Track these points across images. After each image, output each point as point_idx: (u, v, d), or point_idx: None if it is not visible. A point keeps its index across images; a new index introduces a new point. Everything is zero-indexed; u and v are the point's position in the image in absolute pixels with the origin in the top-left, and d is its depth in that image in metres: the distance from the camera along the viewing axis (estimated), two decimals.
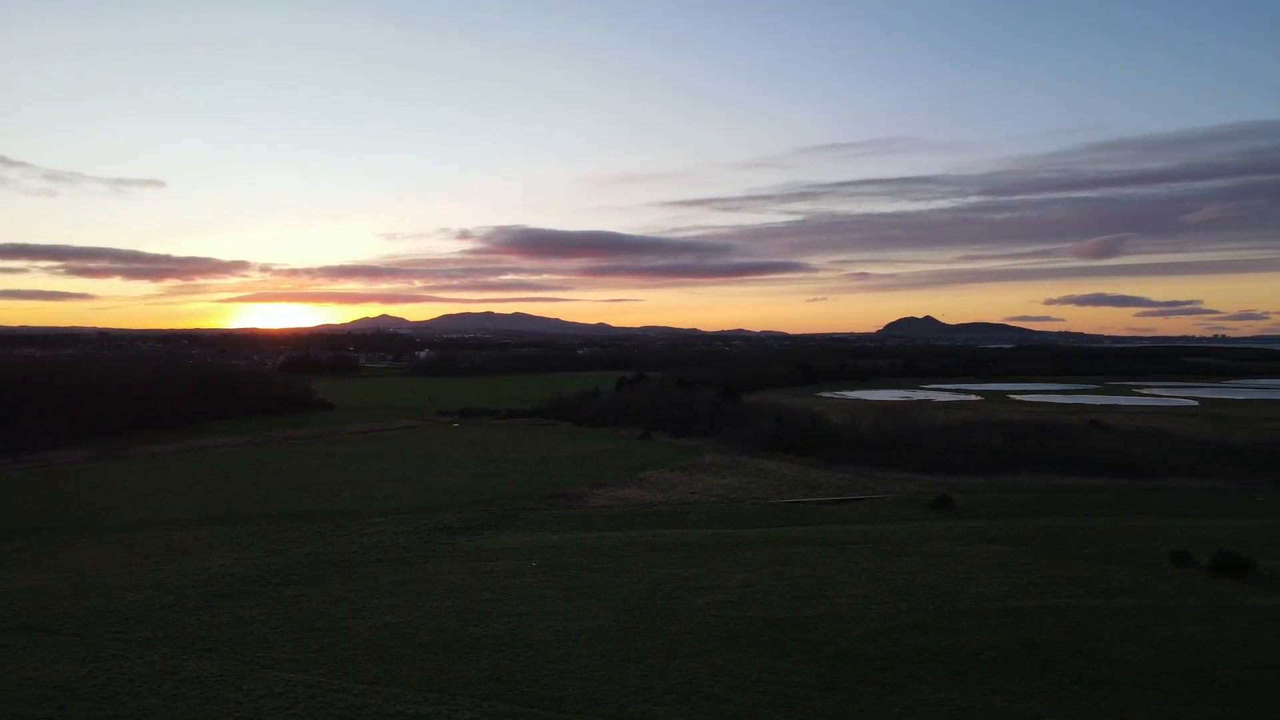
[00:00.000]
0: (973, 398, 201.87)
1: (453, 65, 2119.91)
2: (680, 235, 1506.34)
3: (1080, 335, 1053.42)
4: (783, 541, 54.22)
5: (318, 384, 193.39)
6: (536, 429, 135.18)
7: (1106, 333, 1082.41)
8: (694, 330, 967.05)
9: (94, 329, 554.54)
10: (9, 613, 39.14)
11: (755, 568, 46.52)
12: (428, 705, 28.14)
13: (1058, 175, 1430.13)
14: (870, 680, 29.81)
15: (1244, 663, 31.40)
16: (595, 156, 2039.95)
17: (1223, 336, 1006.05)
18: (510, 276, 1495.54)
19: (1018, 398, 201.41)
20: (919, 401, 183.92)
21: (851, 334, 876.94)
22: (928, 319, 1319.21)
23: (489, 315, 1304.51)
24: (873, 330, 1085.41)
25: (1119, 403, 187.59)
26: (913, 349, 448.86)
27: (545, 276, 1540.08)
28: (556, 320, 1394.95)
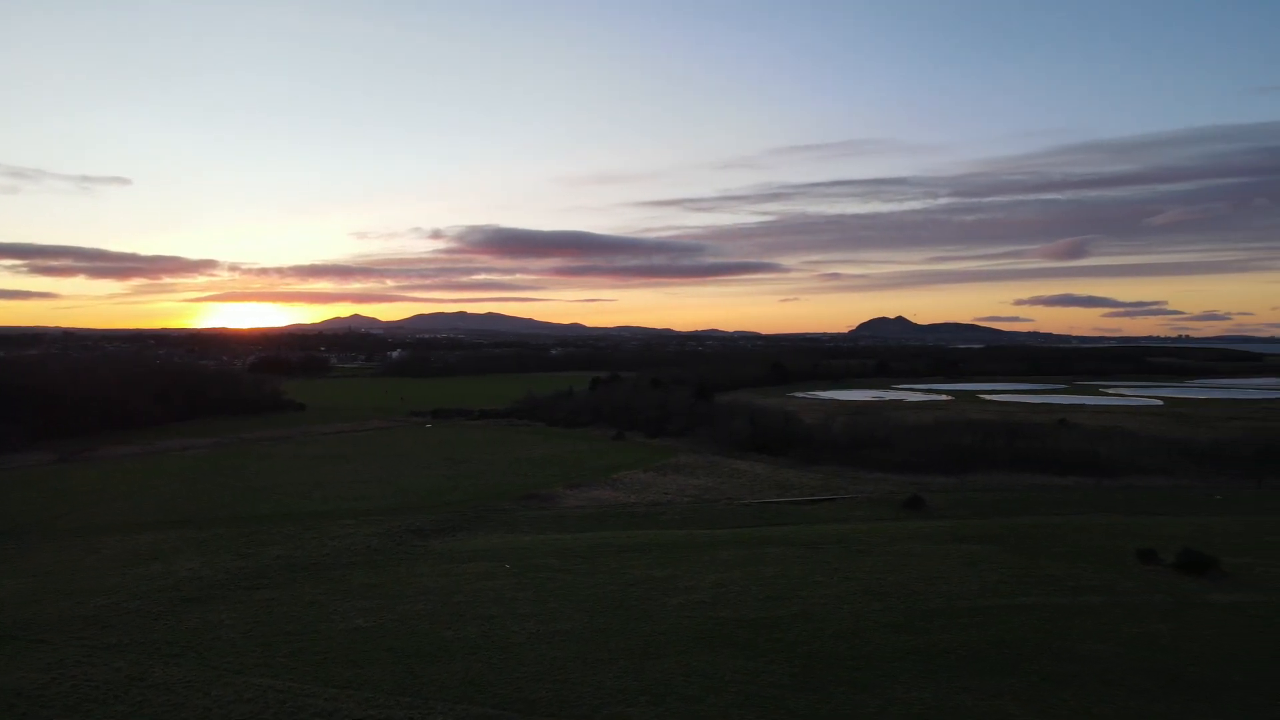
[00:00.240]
0: (944, 398, 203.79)
1: (426, 63, 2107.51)
2: (654, 235, 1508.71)
3: (1049, 335, 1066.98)
4: (756, 542, 54.41)
5: (288, 384, 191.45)
6: (510, 429, 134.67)
7: (1074, 333, 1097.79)
8: (667, 330, 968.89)
9: (58, 329, 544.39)
10: None
11: (729, 568, 46.64)
12: (399, 709, 27.91)
13: (1026, 177, 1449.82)
14: (843, 680, 29.98)
15: (1208, 659, 31.95)
16: (568, 156, 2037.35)
17: (1187, 337, 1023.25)
18: (483, 276, 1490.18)
19: (988, 398, 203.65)
20: (891, 401, 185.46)
21: (824, 334, 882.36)
22: (899, 319, 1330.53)
23: (462, 315, 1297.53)
24: (845, 330, 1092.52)
25: (1086, 402, 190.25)
26: (885, 349, 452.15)
27: (518, 276, 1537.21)
28: (530, 320, 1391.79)
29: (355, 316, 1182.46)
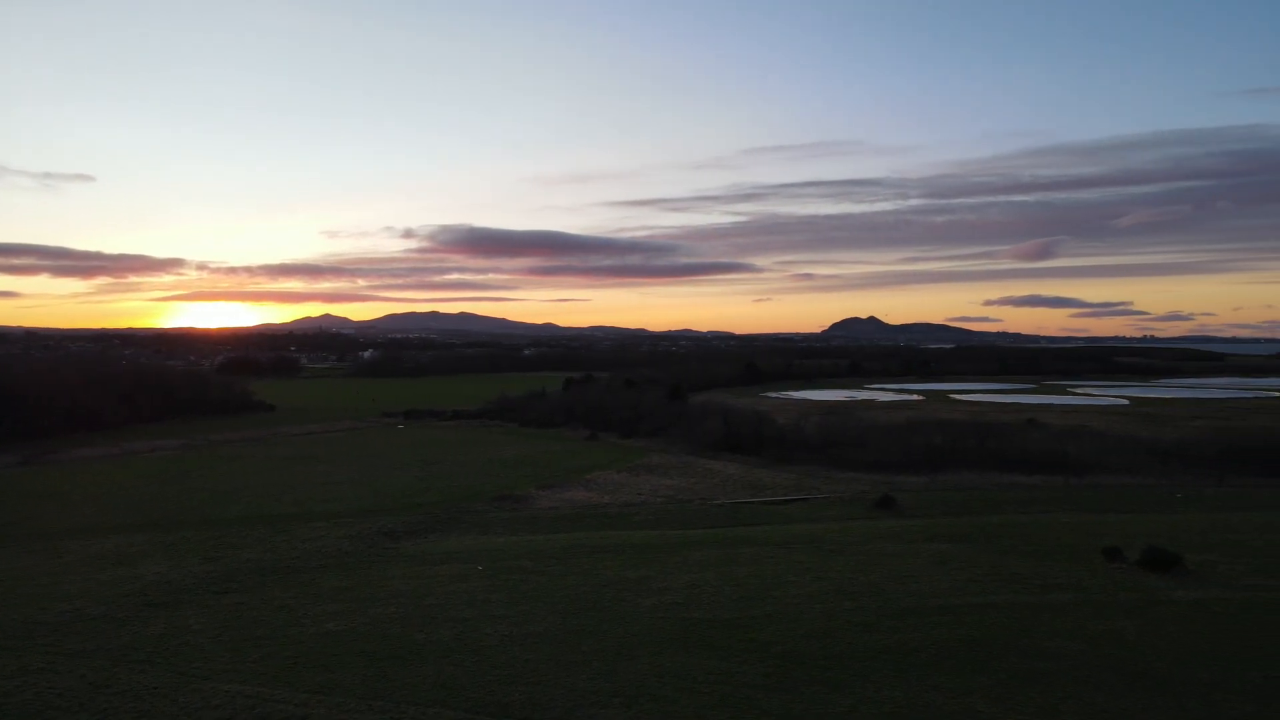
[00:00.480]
0: (915, 397, 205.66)
1: (399, 61, 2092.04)
2: (627, 235, 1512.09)
3: (1018, 335, 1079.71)
4: (729, 542, 54.58)
5: (257, 385, 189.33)
6: (482, 430, 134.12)
7: (1043, 333, 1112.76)
8: (641, 330, 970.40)
9: (20, 328, 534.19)
10: None
11: (702, 568, 46.75)
12: (371, 714, 27.70)
13: (995, 179, 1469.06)
14: (815, 679, 30.17)
15: (1171, 655, 32.50)
16: (541, 156, 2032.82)
17: (1152, 337, 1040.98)
18: (456, 276, 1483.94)
19: (958, 397, 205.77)
20: (863, 401, 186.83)
21: (797, 334, 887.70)
22: (871, 319, 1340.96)
23: (434, 315, 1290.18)
24: (818, 330, 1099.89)
25: (1055, 402, 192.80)
26: (857, 349, 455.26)
27: (491, 276, 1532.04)
28: (503, 320, 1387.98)
29: (326, 316, 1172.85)
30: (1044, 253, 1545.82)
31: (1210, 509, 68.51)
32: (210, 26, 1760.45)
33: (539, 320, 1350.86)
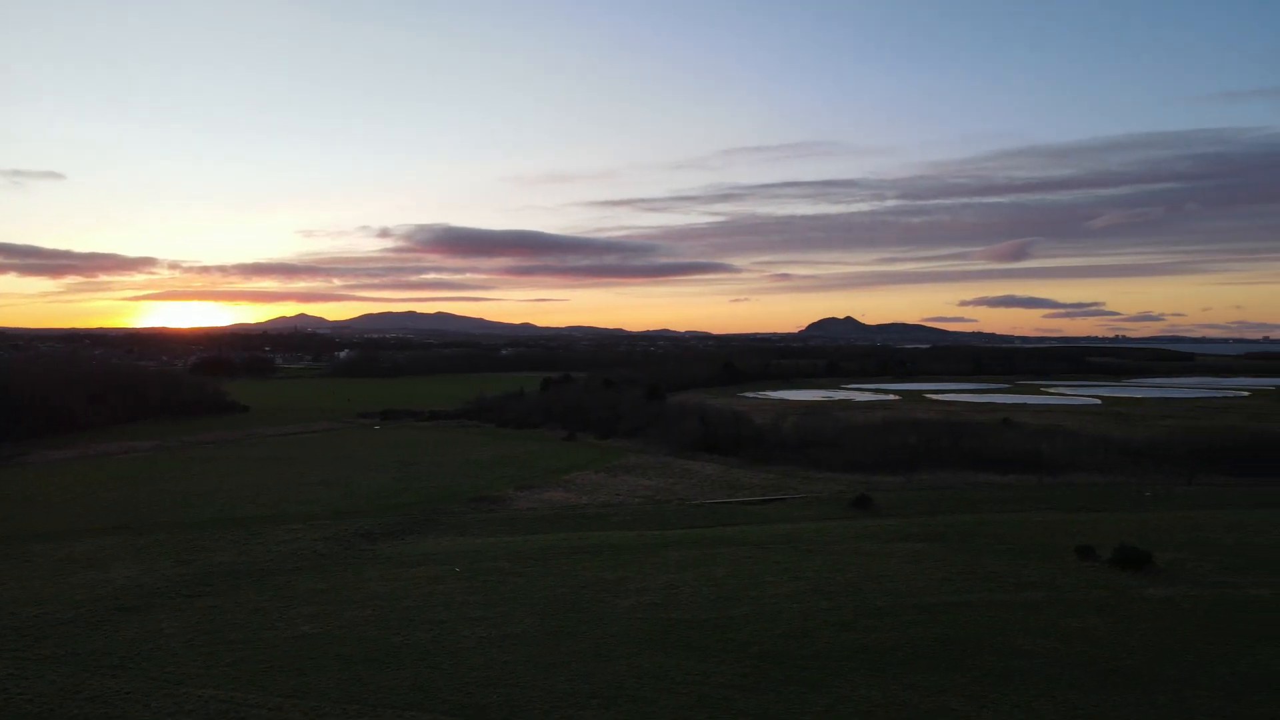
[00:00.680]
0: (891, 397, 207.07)
1: (374, 59, 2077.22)
2: (605, 235, 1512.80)
3: (992, 335, 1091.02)
4: (707, 542, 54.69)
5: (231, 385, 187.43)
6: (460, 431, 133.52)
7: (1017, 333, 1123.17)
8: (619, 330, 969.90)
9: None
10: None
11: (680, 569, 46.82)
12: (346, 718, 27.50)
13: (970, 181, 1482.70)
14: (792, 679, 30.30)
15: (1142, 651, 32.95)
16: (518, 155, 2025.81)
17: (1123, 337, 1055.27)
18: (433, 275, 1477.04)
19: (934, 397, 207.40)
20: (840, 401, 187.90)
21: (774, 334, 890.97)
22: (848, 319, 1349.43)
23: (411, 315, 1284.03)
24: (795, 330, 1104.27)
25: (1028, 401, 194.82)
26: (834, 349, 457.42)
27: (469, 276, 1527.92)
28: (481, 320, 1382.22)
29: (301, 316, 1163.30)
30: (1018, 254, 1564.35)
31: (1180, 507, 69.49)
32: (184, 21, 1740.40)
33: (517, 320, 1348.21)
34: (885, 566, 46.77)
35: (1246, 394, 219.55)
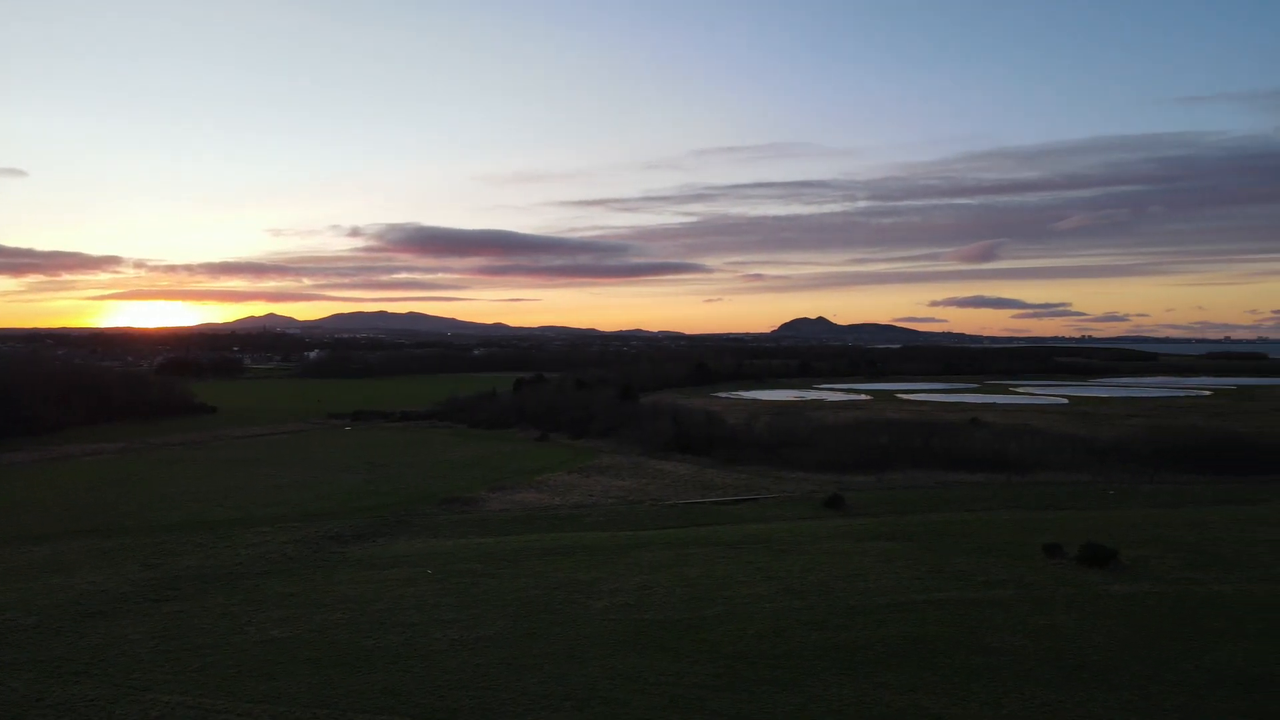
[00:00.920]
0: (863, 397, 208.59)
1: (345, 55, 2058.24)
2: (578, 235, 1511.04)
3: (962, 335, 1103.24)
4: (680, 543, 54.77)
5: (198, 386, 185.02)
6: (431, 432, 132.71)
7: (986, 333, 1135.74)
8: (592, 330, 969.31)
9: None
10: None
11: (653, 570, 46.85)
12: None
13: (939, 182, 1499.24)
14: (765, 679, 30.42)
15: (1108, 647, 33.46)
16: (491, 155, 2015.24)
17: (1090, 337, 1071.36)
18: (404, 275, 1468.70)
19: (905, 397, 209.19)
20: (812, 401, 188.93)
21: (747, 334, 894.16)
22: (820, 320, 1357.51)
23: (382, 314, 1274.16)
24: (768, 330, 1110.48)
25: (997, 401, 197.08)
26: (806, 349, 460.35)
27: (440, 275, 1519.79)
28: (453, 320, 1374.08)
29: (270, 316, 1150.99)
30: (987, 255, 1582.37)
31: (1144, 505, 70.69)
32: (150, 15, 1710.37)
33: (489, 320, 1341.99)
34: (857, 566, 47.11)
35: (1208, 394, 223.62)
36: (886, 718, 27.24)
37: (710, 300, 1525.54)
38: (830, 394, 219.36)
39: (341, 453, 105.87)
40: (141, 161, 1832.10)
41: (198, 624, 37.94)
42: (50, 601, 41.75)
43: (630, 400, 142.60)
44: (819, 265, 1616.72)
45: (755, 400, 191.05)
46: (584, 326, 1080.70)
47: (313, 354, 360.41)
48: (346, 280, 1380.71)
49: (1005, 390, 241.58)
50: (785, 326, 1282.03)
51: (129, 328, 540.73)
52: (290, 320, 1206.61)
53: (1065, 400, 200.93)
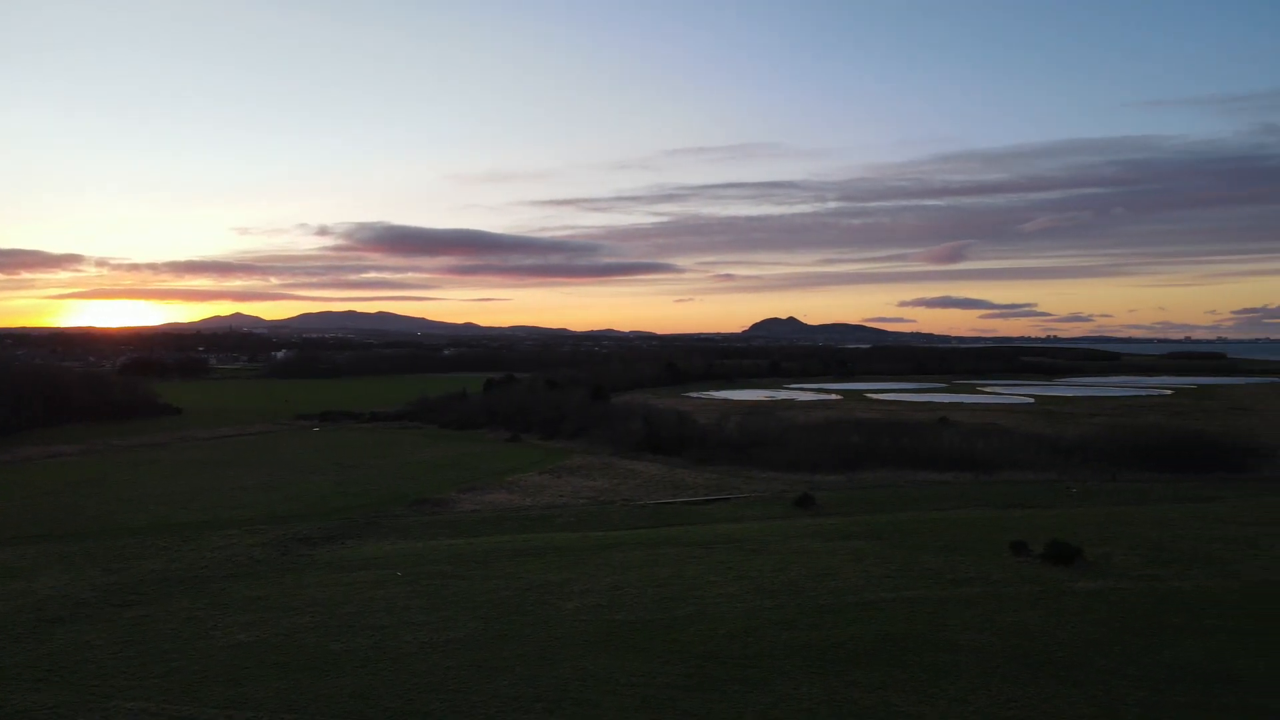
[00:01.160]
0: (833, 397, 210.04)
1: (313, 52, 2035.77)
2: (549, 235, 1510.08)
3: (930, 335, 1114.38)
4: (651, 543, 54.82)
5: (163, 387, 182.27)
6: (401, 432, 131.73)
7: (954, 333, 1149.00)
8: (563, 330, 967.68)
9: None
10: None
11: (624, 570, 46.84)
12: None
13: (908, 184, 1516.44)
14: (735, 678, 30.52)
15: (1072, 643, 33.95)
16: (461, 154, 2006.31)
17: (1055, 337, 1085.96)
18: (373, 275, 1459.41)
19: (875, 397, 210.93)
20: (782, 401, 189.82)
21: (718, 334, 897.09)
22: (791, 320, 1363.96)
23: (351, 314, 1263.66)
24: (738, 330, 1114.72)
25: (965, 400, 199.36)
26: (777, 349, 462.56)
27: (410, 275, 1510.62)
28: (423, 320, 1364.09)
29: (237, 315, 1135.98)
30: (954, 256, 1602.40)
31: (1107, 503, 71.85)
32: (112, 4, 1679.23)
33: (459, 320, 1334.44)
34: (827, 565, 47.41)
35: (1170, 393, 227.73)
36: (856, 716, 27.44)
37: (681, 300, 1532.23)
38: (801, 394, 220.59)
39: (310, 454, 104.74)
40: (104, 157, 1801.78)
41: (162, 629, 37.36)
42: (9, 607, 40.91)
43: (601, 400, 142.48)
44: (789, 265, 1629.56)
45: (726, 400, 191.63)
46: (555, 326, 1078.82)
47: (280, 354, 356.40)
48: (315, 280, 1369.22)
49: (973, 390, 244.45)
50: (756, 326, 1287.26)
51: (91, 327, 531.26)
52: (257, 320, 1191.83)
53: (1031, 400, 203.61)
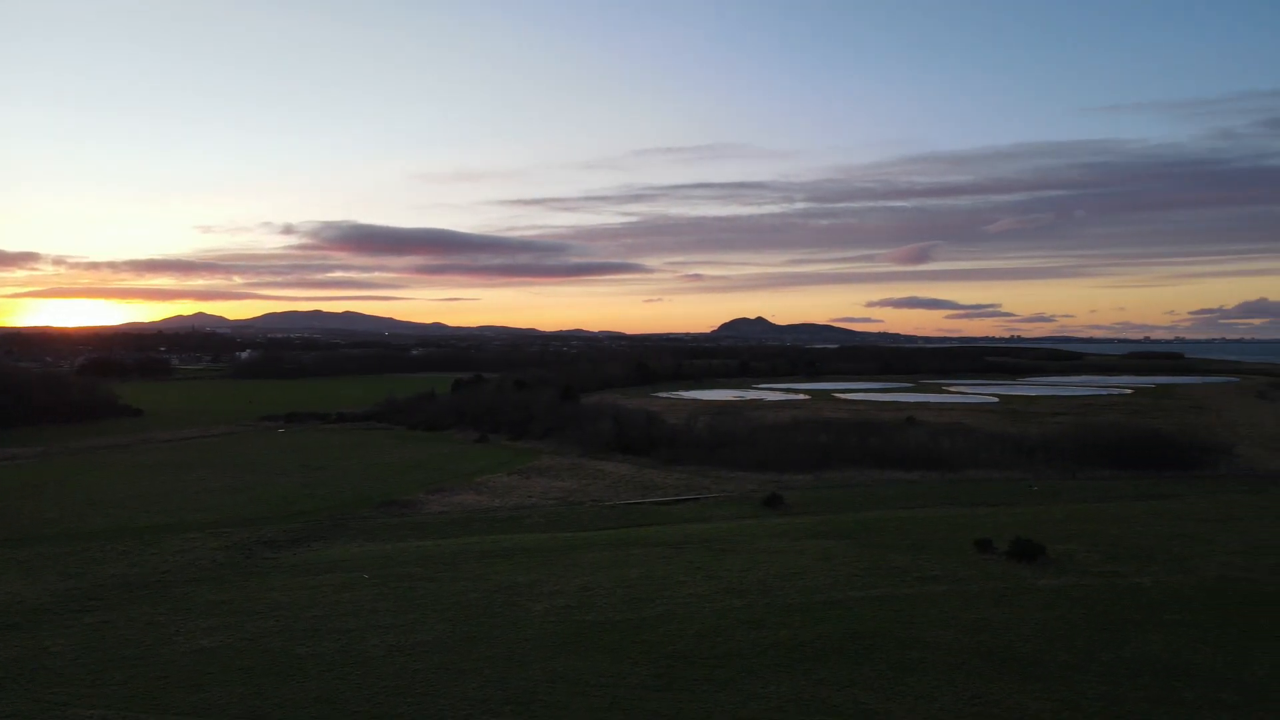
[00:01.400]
0: (801, 397, 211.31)
1: (278, 48, 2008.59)
2: (517, 234, 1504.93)
3: (897, 335, 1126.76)
4: (620, 544, 54.82)
5: (123, 388, 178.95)
6: (368, 433, 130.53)
7: (920, 333, 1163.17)
8: (532, 330, 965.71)
9: None
10: None
11: (594, 571, 46.79)
12: None
13: (875, 185, 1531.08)
14: (705, 678, 30.62)
15: (1036, 639, 34.48)
16: (428, 152, 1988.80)
17: (1019, 337, 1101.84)
18: (339, 274, 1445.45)
19: (842, 396, 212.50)
20: (751, 401, 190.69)
21: (687, 334, 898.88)
22: (759, 320, 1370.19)
23: (317, 314, 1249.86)
24: (707, 330, 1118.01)
25: (931, 400, 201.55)
26: (746, 349, 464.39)
27: (377, 274, 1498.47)
28: (390, 319, 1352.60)
29: (199, 315, 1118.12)
30: (920, 256, 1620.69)
31: (1070, 501, 73.02)
32: None
33: (427, 320, 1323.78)
34: (796, 564, 47.71)
35: (1130, 392, 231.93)
36: (824, 713, 27.64)
37: (650, 300, 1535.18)
38: (769, 394, 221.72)
39: (275, 455, 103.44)
40: (61, 152, 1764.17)
41: (122, 635, 36.69)
42: None
43: (570, 401, 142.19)
44: (758, 266, 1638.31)
45: (695, 400, 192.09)
46: (524, 326, 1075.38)
47: (245, 354, 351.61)
48: (280, 279, 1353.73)
49: (939, 389, 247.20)
50: (725, 326, 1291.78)
51: (48, 327, 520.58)
52: (221, 320, 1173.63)
53: (996, 399, 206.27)
